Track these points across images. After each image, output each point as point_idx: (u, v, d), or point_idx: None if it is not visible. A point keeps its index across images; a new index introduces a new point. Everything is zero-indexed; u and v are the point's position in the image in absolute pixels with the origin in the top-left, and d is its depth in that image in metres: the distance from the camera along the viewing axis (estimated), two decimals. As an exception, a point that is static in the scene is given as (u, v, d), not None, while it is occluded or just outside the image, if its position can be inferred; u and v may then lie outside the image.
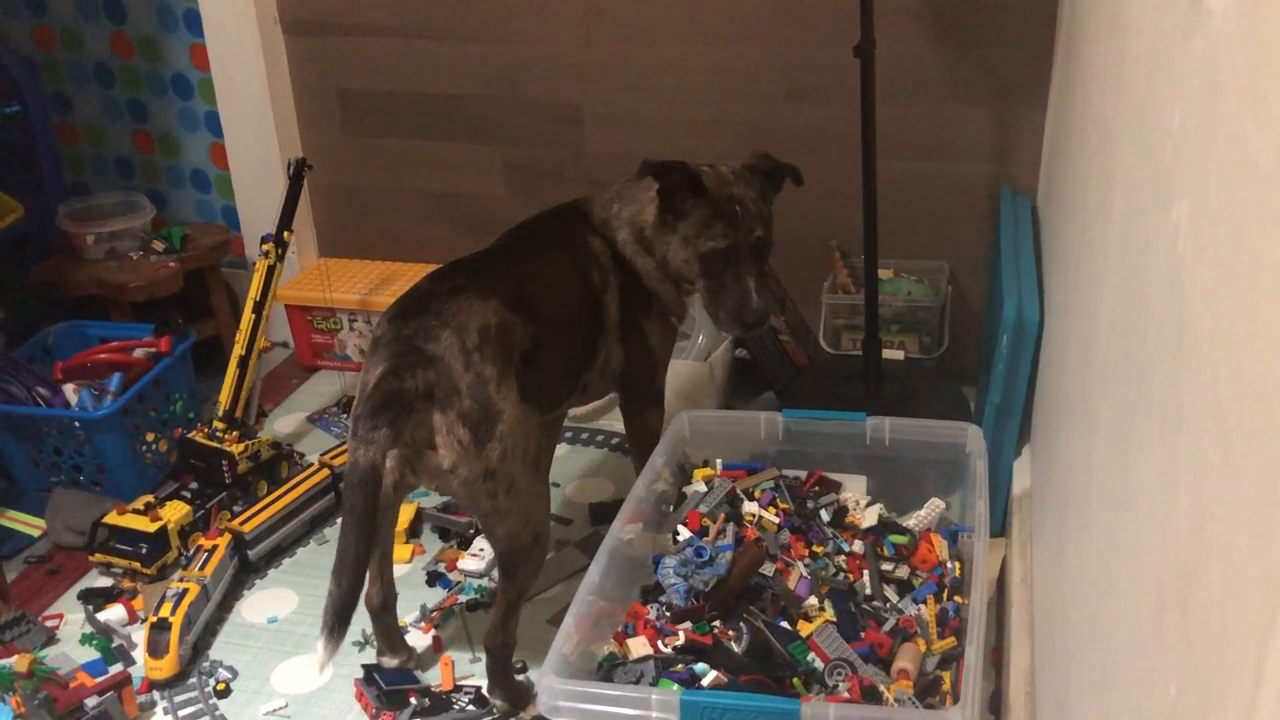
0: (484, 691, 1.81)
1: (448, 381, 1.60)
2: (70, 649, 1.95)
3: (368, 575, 1.71)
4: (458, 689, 1.82)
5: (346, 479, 1.59)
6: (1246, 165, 0.63)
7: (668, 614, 1.71)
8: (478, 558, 2.10)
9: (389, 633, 1.87)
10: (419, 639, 1.94)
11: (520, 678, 1.86)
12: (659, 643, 1.65)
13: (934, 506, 1.88)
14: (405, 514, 2.20)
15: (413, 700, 1.78)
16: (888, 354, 2.28)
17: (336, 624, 1.55)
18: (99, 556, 2.11)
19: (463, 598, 2.03)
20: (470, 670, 1.87)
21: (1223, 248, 0.68)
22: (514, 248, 1.91)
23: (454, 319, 1.64)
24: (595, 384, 1.98)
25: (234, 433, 2.30)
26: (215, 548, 2.03)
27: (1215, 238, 0.70)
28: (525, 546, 1.72)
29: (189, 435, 2.33)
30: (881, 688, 1.53)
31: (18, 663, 1.77)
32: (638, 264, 1.94)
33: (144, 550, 2.07)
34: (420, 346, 1.61)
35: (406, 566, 2.13)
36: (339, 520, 2.24)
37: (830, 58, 2.29)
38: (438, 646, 1.92)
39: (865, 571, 1.78)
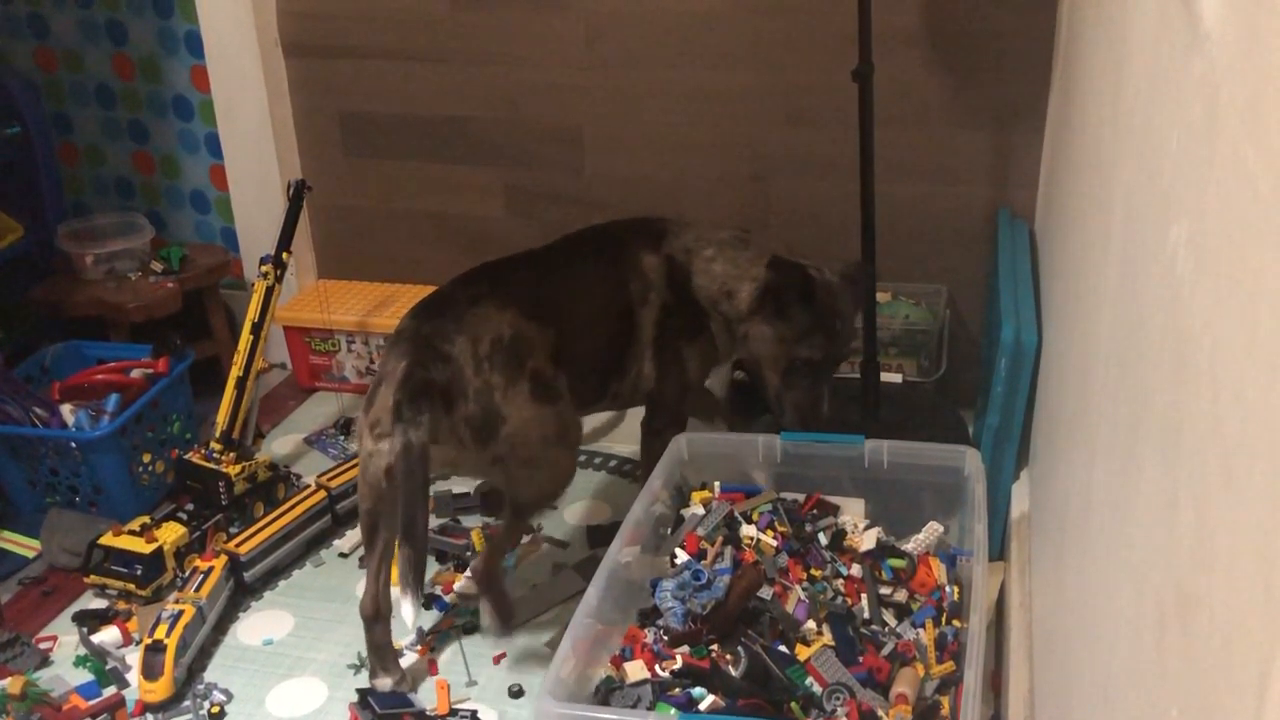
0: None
1: (459, 384, 1.72)
2: (64, 671, 1.93)
3: (365, 582, 1.85)
4: (453, 713, 1.81)
5: (397, 465, 1.66)
6: (1245, 187, 0.63)
7: (665, 637, 1.70)
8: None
9: (382, 649, 1.86)
10: (414, 661, 1.93)
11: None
12: (656, 666, 1.64)
13: (932, 530, 1.87)
14: (402, 536, 2.20)
15: (408, 724, 1.77)
16: (886, 377, 2.27)
17: (415, 580, 1.66)
18: (94, 578, 2.10)
19: (459, 620, 2.02)
20: (466, 693, 1.86)
21: (1221, 269, 0.68)
22: (551, 251, 2.02)
23: (470, 327, 1.76)
24: (628, 395, 2.05)
25: (231, 454, 2.30)
26: (211, 569, 2.02)
27: (1214, 259, 0.70)
28: (547, 497, 1.93)
29: (186, 456, 2.32)
30: (880, 712, 1.52)
31: (11, 685, 1.76)
32: (707, 309, 2.03)
33: (139, 572, 2.07)
34: (437, 346, 1.72)
35: (403, 589, 2.12)
36: (336, 541, 2.25)
37: (829, 82, 2.30)
38: (433, 669, 1.91)
39: (864, 595, 1.77)
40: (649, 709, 1.54)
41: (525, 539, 2.20)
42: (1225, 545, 0.61)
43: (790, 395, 1.98)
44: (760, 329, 1.97)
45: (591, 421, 2.55)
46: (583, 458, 2.51)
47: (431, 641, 1.96)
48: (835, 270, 1.99)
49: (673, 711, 1.51)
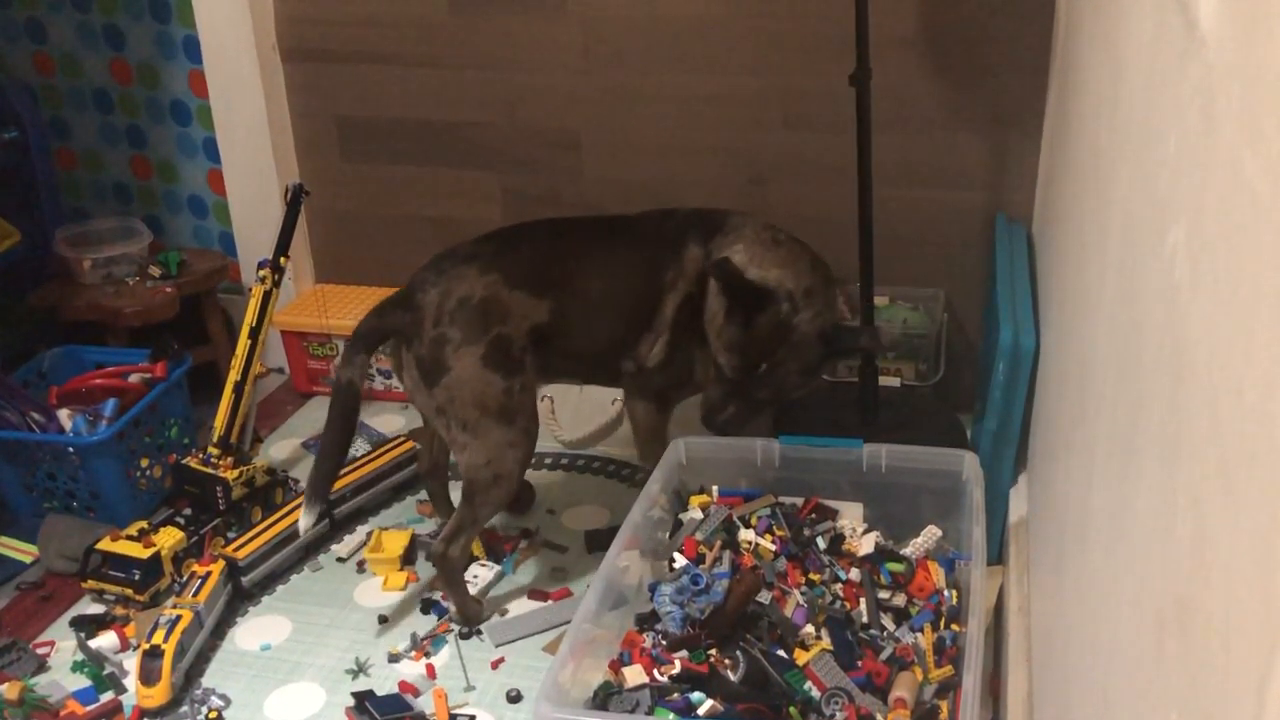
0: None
1: (416, 329, 1.90)
2: (61, 676, 1.93)
3: (420, 446, 2.17)
4: (452, 718, 1.80)
5: (332, 390, 1.95)
6: (1242, 191, 0.63)
7: (664, 642, 1.70)
8: (471, 584, 2.09)
9: (439, 496, 2.21)
10: (411, 667, 1.93)
11: (484, 603, 2.04)
12: (655, 671, 1.64)
13: (931, 534, 1.87)
14: (400, 541, 2.20)
15: (406, 729, 1.77)
16: (884, 381, 2.28)
17: (313, 495, 1.92)
18: (91, 583, 2.10)
19: (455, 626, 2.02)
20: (464, 699, 1.86)
21: (1219, 274, 0.68)
22: (592, 225, 2.08)
23: (445, 282, 1.91)
24: (644, 365, 2.03)
25: (229, 458, 2.29)
26: (209, 574, 2.02)
27: (1211, 264, 0.70)
28: (484, 481, 1.94)
29: (184, 461, 2.32)
30: (879, 717, 1.52)
31: (8, 690, 1.76)
32: None
33: (137, 577, 2.06)
34: (414, 293, 1.92)
35: (400, 594, 2.12)
36: (334, 546, 2.24)
37: (827, 86, 2.30)
38: (431, 674, 1.91)
39: (862, 599, 1.77)
40: (647, 714, 1.54)
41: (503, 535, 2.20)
42: (1224, 550, 0.61)
43: (711, 389, 1.97)
44: (725, 324, 1.93)
45: (587, 426, 2.55)
46: (580, 462, 2.51)
47: (426, 646, 1.96)
48: (822, 322, 1.92)
49: (671, 716, 1.51)
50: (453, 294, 1.89)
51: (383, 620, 2.04)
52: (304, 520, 1.94)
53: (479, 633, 2.00)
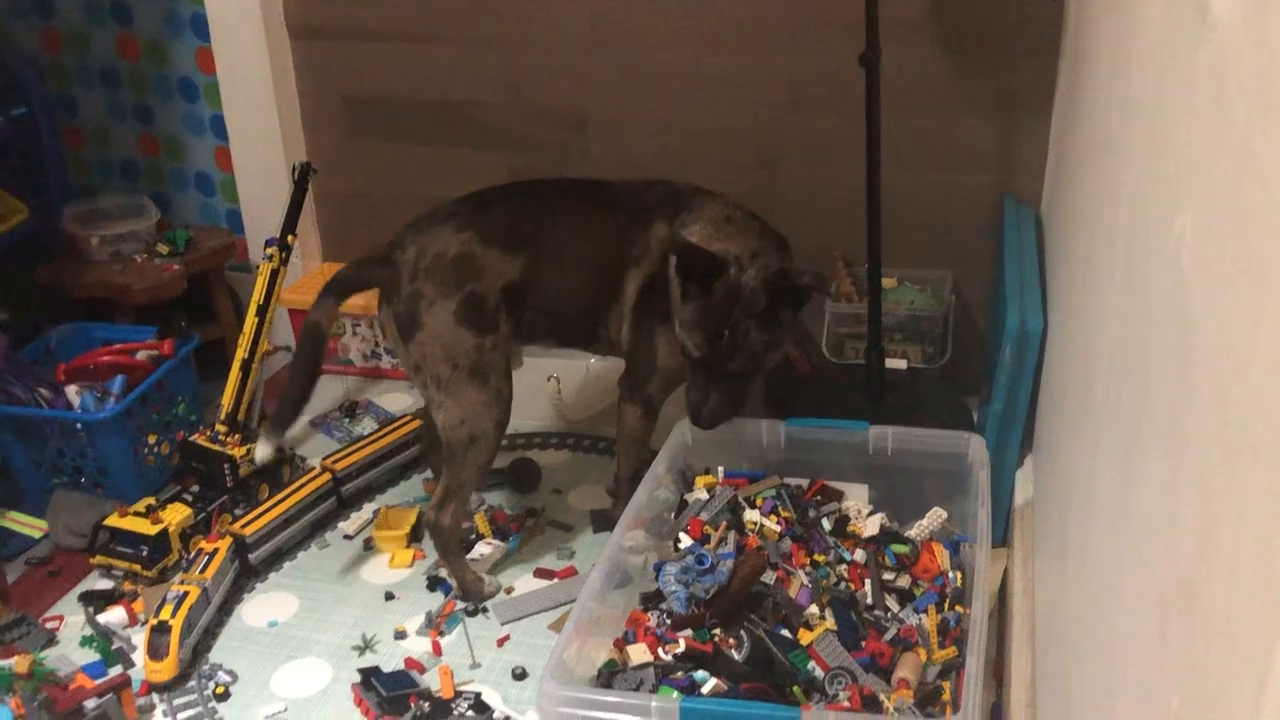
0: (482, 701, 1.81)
1: (393, 286, 1.96)
2: (70, 651, 1.94)
3: (424, 421, 2.21)
4: (457, 695, 1.81)
5: (300, 332, 2.07)
6: (1253, 177, 0.63)
7: (668, 621, 1.71)
8: (476, 562, 2.10)
9: (441, 471, 2.11)
10: (417, 644, 1.94)
11: (485, 578, 2.05)
12: (659, 650, 1.65)
13: (936, 516, 1.88)
14: (407, 519, 2.20)
15: (413, 705, 1.78)
16: (891, 363, 2.27)
17: (273, 426, 2.06)
18: (100, 559, 2.11)
19: (462, 604, 2.03)
20: (470, 676, 1.87)
21: (1227, 260, 0.68)
22: (571, 186, 2.08)
23: (422, 240, 1.96)
24: (619, 345, 2.05)
25: (236, 436, 2.30)
26: (216, 551, 2.03)
27: (1219, 250, 0.70)
28: (461, 441, 1.97)
29: (191, 438, 2.33)
30: (882, 697, 1.53)
31: (18, 664, 1.77)
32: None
33: (145, 553, 2.07)
34: (393, 250, 1.98)
35: (407, 571, 2.13)
36: (340, 524, 2.25)
37: (836, 67, 2.29)
38: (437, 651, 1.92)
39: (867, 580, 1.77)
40: (651, 692, 1.55)
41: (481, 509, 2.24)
42: (1227, 535, 0.62)
43: (688, 391, 1.94)
44: (680, 308, 1.91)
45: (593, 406, 2.55)
46: (586, 442, 2.51)
47: (440, 624, 1.97)
48: (766, 272, 1.85)
49: (675, 695, 1.52)
50: (428, 251, 1.94)
51: (389, 598, 2.05)
52: (261, 450, 2.05)
53: (485, 610, 2.01)
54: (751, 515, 1.88)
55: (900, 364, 2.36)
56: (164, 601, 1.91)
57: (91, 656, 1.92)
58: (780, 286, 1.84)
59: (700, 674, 1.58)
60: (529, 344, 2.13)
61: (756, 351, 1.86)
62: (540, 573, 2.10)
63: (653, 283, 1.97)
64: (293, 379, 2.05)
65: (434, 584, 2.08)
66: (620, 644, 1.67)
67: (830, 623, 1.68)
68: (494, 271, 1.94)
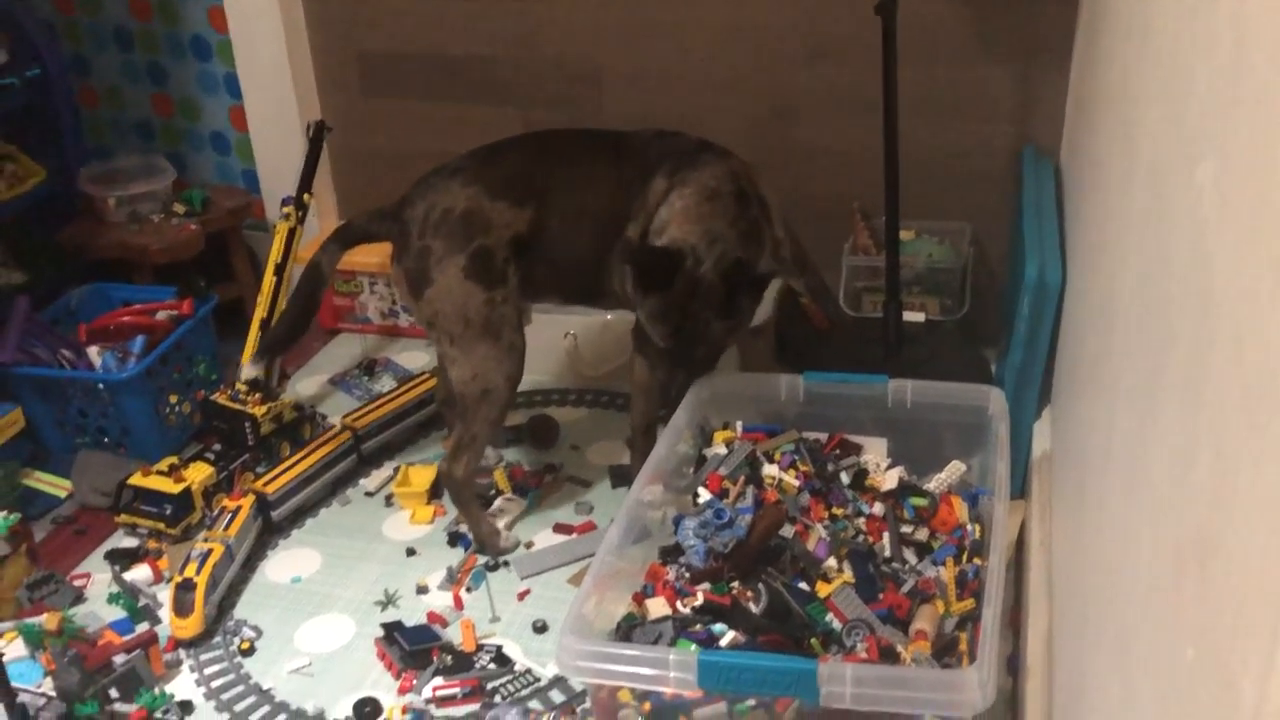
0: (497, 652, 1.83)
1: (403, 242, 1.97)
2: (98, 608, 1.97)
3: (441, 378, 2.23)
4: (479, 648, 1.84)
5: (303, 271, 2.11)
6: (1273, 127, 0.63)
7: (687, 575, 1.72)
8: (496, 516, 2.11)
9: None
10: (439, 599, 1.96)
11: (499, 528, 2.08)
12: (678, 603, 1.66)
13: (954, 469, 1.88)
14: (427, 475, 2.22)
15: (435, 658, 1.80)
16: (909, 315, 2.26)
17: (262, 351, 2.17)
18: (124, 517, 2.14)
19: (483, 558, 2.05)
20: (491, 629, 1.89)
21: (1247, 211, 0.67)
22: (569, 139, 2.07)
23: (431, 195, 1.96)
24: (626, 296, 2.02)
25: (256, 395, 2.32)
26: (239, 509, 2.05)
27: (1240, 201, 0.70)
28: (474, 395, 1.99)
29: (212, 397, 2.35)
30: (899, 648, 1.54)
31: (48, 620, 1.80)
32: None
33: (168, 511, 2.10)
34: (403, 207, 1.99)
35: (428, 528, 2.15)
36: (361, 481, 2.27)
37: (852, 16, 2.26)
38: (459, 605, 1.94)
39: (885, 533, 1.78)
40: (670, 645, 1.56)
41: (498, 466, 2.26)
42: (1245, 489, 0.61)
43: (655, 371, 1.98)
44: (638, 299, 1.92)
45: (609, 361, 2.55)
46: (605, 398, 2.52)
47: (464, 580, 1.99)
48: (724, 264, 1.87)
49: (693, 648, 1.53)
50: (436, 206, 1.94)
51: (411, 553, 2.07)
52: (248, 370, 2.16)
53: (506, 564, 2.03)
54: (770, 470, 1.88)
55: (918, 317, 2.35)
56: (188, 559, 1.93)
57: (119, 613, 1.95)
58: (736, 279, 1.87)
59: (718, 627, 1.59)
60: (537, 301, 2.13)
61: (718, 339, 1.93)
62: (559, 528, 2.12)
63: (644, 238, 1.96)
64: (285, 314, 2.12)
65: (454, 539, 2.10)
66: (639, 597, 1.69)
67: (848, 575, 1.69)
68: (502, 224, 1.94)
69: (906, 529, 1.80)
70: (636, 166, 1.99)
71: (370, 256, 2.71)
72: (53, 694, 1.71)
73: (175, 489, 2.11)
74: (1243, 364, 0.64)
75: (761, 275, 1.90)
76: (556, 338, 2.53)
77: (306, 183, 2.36)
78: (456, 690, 1.75)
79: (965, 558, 1.73)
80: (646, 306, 1.89)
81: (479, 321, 1.95)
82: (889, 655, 1.53)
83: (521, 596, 1.96)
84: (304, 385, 2.64)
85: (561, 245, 1.98)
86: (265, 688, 1.80)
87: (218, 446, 2.29)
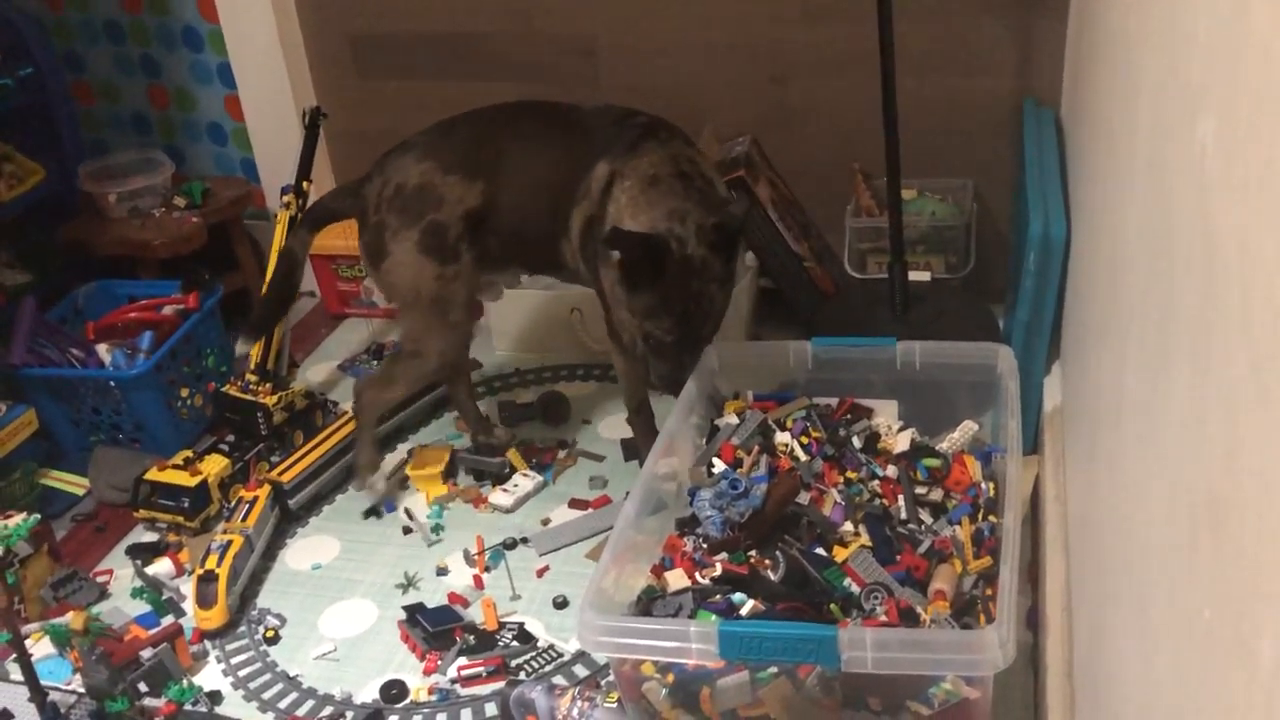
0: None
1: (363, 217, 2.04)
2: (122, 603, 1.99)
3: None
4: (502, 626, 1.85)
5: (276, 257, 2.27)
6: (1275, 80, 0.62)
7: (704, 545, 1.73)
8: (508, 493, 2.12)
9: (463, 403, 2.31)
10: (459, 579, 1.97)
11: (380, 469, 2.22)
12: (696, 574, 1.67)
13: (966, 428, 1.88)
14: (440, 456, 2.23)
15: (458, 638, 1.82)
16: (914, 275, 2.25)
17: (248, 331, 2.23)
18: (143, 512, 2.15)
19: (501, 539, 2.05)
20: (512, 607, 1.90)
21: (1250, 166, 0.67)
22: (525, 111, 2.09)
23: (388, 171, 2.02)
24: (580, 272, 2.01)
25: (267, 384, 2.32)
26: (256, 499, 2.06)
27: (1243, 155, 0.69)
28: (406, 354, 2.12)
29: (223, 389, 2.35)
30: (919, 609, 1.54)
31: (74, 620, 1.81)
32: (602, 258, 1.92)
33: (186, 504, 2.11)
34: (363, 183, 2.05)
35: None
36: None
37: (845, -25, 2.24)
38: (479, 585, 1.95)
39: (899, 496, 1.78)
40: (690, 617, 1.57)
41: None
42: (1256, 447, 0.61)
43: (655, 364, 1.91)
44: (617, 296, 1.88)
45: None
46: (613, 372, 2.51)
47: (483, 560, 2.00)
48: (706, 234, 1.81)
49: (713, 618, 1.54)
50: (391, 182, 2.00)
51: (407, 531, 2.09)
52: (240, 347, 2.24)
53: (525, 541, 2.04)
54: (782, 438, 1.88)
55: (924, 276, 2.35)
56: (209, 551, 1.95)
57: (143, 608, 1.96)
58: (722, 242, 1.83)
59: (738, 596, 1.60)
60: (500, 272, 2.13)
61: (720, 308, 1.88)
62: (575, 503, 2.13)
63: (591, 224, 1.93)
64: (264, 300, 2.21)
65: (406, 531, 2.11)
66: (658, 570, 1.70)
67: (865, 539, 1.69)
68: (454, 199, 1.97)
69: (921, 490, 1.80)
70: (585, 145, 1.96)
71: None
72: (82, 691, 1.73)
73: (191, 482, 2.12)
74: (1248, 321, 0.64)
75: (738, 227, 1.85)
76: (562, 314, 2.53)
77: (305, 170, 2.36)
78: (481, 669, 1.77)
79: (980, 516, 1.73)
80: (638, 303, 1.84)
81: (429, 295, 2.00)
82: (909, 617, 1.53)
83: (540, 573, 1.97)
84: (313, 372, 2.65)
85: (514, 217, 1.99)
86: (292, 675, 1.82)
87: (231, 438, 2.30)
